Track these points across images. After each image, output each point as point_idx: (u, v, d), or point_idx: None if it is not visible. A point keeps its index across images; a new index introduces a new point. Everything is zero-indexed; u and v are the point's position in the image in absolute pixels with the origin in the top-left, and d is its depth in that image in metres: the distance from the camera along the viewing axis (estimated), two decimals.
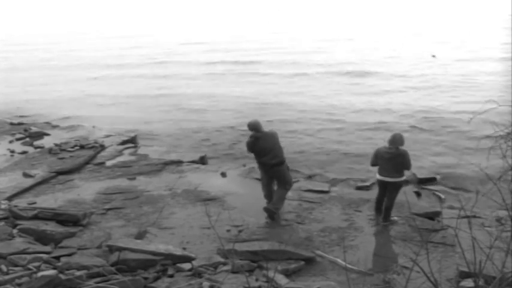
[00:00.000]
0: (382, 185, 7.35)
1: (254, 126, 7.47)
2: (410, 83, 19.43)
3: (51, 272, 5.30)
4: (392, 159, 7.07)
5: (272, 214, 7.46)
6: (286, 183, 7.63)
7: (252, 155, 7.78)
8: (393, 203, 7.30)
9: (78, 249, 6.28)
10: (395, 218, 7.42)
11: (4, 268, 5.43)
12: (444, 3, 70.55)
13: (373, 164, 7.46)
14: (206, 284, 5.19)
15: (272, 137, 7.50)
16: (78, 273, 5.32)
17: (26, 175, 9.62)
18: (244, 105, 16.30)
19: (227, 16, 65.04)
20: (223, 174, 9.76)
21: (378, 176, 7.35)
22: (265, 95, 17.73)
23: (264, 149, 7.44)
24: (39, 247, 6.22)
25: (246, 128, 7.82)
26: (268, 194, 7.80)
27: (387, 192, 7.30)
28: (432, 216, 7.61)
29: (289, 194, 8.49)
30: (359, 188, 8.95)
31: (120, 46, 35.34)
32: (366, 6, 72.96)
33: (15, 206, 7.66)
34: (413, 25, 44.87)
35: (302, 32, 41.32)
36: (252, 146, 7.53)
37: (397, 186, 7.24)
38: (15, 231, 6.66)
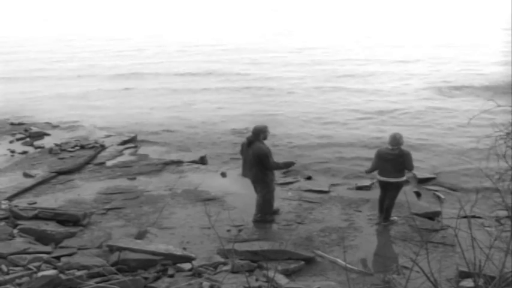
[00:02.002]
0: (384, 185, 7.36)
1: (253, 131, 7.29)
2: (411, 82, 19.48)
3: (51, 272, 5.32)
4: (395, 159, 7.08)
5: (261, 222, 7.42)
6: (260, 193, 7.39)
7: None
8: (394, 202, 7.30)
9: (79, 249, 6.29)
10: (395, 218, 7.42)
11: (4, 268, 5.44)
12: (441, 3, 70.52)
13: (375, 168, 7.42)
14: (206, 284, 5.20)
15: (255, 151, 7.10)
16: (78, 273, 5.34)
17: (26, 175, 9.63)
18: (247, 107, 16.31)
19: (228, 16, 65.00)
20: (223, 174, 9.76)
21: (379, 177, 7.35)
22: (268, 99, 17.71)
23: (246, 157, 7.35)
24: (40, 247, 6.23)
25: (244, 127, 7.80)
26: None
27: (388, 192, 7.30)
28: (432, 216, 7.62)
29: (289, 194, 8.53)
30: (359, 188, 8.96)
31: (124, 48, 34.89)
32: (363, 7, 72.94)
33: (16, 206, 7.67)
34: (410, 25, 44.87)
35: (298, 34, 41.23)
36: (241, 147, 7.51)
37: (398, 186, 7.24)
38: (15, 231, 6.67)
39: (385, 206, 7.33)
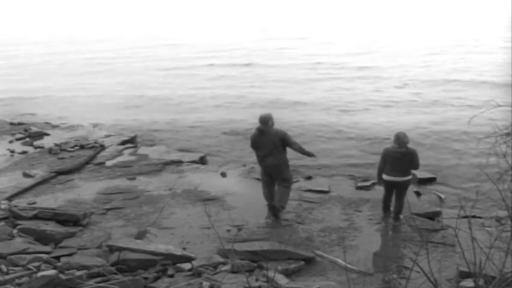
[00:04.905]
0: (391, 185, 7.31)
1: (261, 120, 7.41)
2: (411, 81, 19.46)
3: (51, 272, 5.31)
4: (402, 158, 7.07)
5: (277, 212, 7.45)
6: (284, 181, 7.56)
7: (254, 151, 7.75)
8: (403, 202, 7.27)
9: (78, 249, 6.28)
10: (401, 216, 7.41)
11: (4, 268, 5.43)
12: (439, 4, 70.53)
13: (382, 171, 7.35)
14: (206, 283, 5.20)
15: (275, 136, 7.33)
16: (78, 273, 5.33)
17: (26, 175, 9.62)
18: (247, 105, 16.31)
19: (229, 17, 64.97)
20: (223, 174, 9.75)
21: (387, 177, 7.26)
22: (268, 96, 17.69)
23: (263, 145, 7.42)
24: (39, 247, 6.22)
25: (245, 128, 7.79)
26: (268, 193, 7.74)
27: (397, 192, 7.28)
28: (432, 216, 7.61)
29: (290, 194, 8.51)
30: (359, 188, 8.96)
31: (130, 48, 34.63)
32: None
33: (15, 206, 7.66)
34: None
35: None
36: (253, 139, 7.56)
37: (406, 185, 7.25)
38: (15, 231, 6.66)
39: (396, 207, 7.30)
